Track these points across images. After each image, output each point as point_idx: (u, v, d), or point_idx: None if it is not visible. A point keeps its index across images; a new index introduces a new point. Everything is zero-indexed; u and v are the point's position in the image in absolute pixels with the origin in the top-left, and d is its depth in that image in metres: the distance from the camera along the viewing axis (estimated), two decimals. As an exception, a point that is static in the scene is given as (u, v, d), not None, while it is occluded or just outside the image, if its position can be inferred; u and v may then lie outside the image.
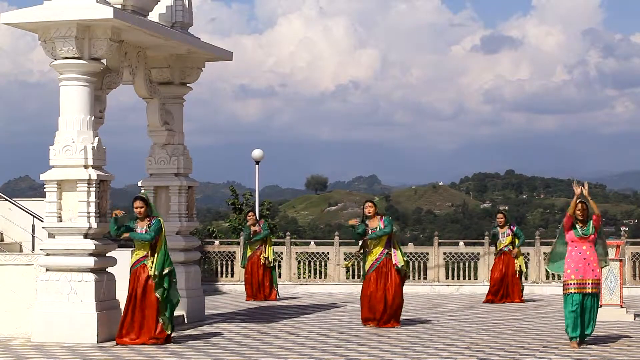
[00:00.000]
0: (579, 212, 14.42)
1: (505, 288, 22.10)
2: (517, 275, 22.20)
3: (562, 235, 14.63)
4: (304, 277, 26.11)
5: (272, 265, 23.19)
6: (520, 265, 22.24)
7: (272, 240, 24.29)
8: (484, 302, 21.84)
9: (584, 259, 14.41)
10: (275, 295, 23.05)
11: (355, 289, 24.66)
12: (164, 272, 14.72)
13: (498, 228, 22.45)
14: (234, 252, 26.18)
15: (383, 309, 16.93)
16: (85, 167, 15.25)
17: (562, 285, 14.75)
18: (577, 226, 14.44)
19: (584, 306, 14.37)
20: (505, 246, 22.24)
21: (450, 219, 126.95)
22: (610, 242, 18.13)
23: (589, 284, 14.38)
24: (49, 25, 15.22)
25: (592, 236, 14.44)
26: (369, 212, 17.05)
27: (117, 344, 14.61)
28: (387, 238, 17.02)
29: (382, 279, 16.99)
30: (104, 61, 15.80)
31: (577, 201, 14.47)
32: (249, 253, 23.25)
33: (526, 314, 19.42)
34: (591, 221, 14.43)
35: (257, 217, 23.95)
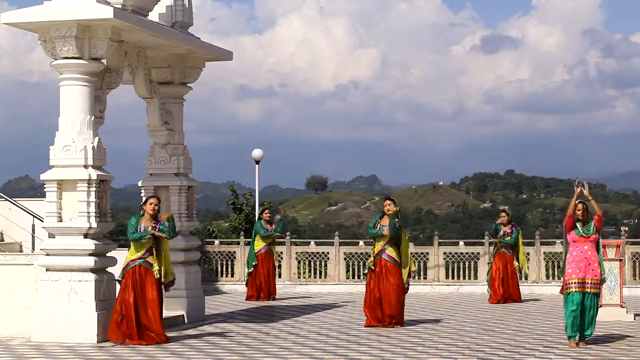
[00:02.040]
0: (579, 212, 14.43)
1: (507, 289, 22.07)
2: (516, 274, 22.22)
3: (566, 238, 14.63)
4: (304, 277, 26.10)
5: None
6: (521, 265, 22.24)
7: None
8: (490, 302, 21.75)
9: (585, 258, 14.41)
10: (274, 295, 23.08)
11: (355, 288, 24.68)
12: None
13: (501, 225, 22.40)
14: (234, 252, 26.17)
15: (381, 311, 16.95)
16: (85, 167, 15.25)
17: (562, 285, 14.74)
18: (578, 225, 14.45)
19: (584, 306, 14.36)
20: (502, 246, 22.25)
21: (450, 219, 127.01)
22: (611, 242, 18.15)
23: (589, 283, 14.38)
24: (49, 25, 15.22)
25: (593, 236, 14.43)
26: (387, 210, 17.07)
27: (118, 343, 14.62)
28: (388, 239, 17.01)
29: (377, 280, 17.04)
30: (104, 61, 15.80)
31: (577, 201, 14.49)
32: (256, 249, 23.08)
33: (526, 314, 19.41)
34: (592, 222, 14.43)
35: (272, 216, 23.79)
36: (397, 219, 16.93)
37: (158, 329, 14.73)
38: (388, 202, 17.20)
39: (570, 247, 14.52)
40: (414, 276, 17.17)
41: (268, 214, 23.35)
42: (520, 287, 22.53)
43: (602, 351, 13.92)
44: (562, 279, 14.76)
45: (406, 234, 17.29)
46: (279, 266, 25.64)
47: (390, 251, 17.00)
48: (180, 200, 17.94)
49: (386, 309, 16.92)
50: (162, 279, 14.89)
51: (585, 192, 14.50)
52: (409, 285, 17.14)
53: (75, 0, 15.05)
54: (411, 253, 24.91)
